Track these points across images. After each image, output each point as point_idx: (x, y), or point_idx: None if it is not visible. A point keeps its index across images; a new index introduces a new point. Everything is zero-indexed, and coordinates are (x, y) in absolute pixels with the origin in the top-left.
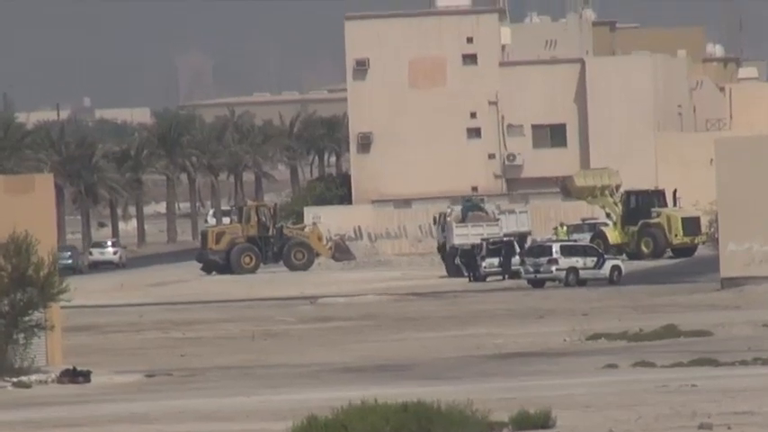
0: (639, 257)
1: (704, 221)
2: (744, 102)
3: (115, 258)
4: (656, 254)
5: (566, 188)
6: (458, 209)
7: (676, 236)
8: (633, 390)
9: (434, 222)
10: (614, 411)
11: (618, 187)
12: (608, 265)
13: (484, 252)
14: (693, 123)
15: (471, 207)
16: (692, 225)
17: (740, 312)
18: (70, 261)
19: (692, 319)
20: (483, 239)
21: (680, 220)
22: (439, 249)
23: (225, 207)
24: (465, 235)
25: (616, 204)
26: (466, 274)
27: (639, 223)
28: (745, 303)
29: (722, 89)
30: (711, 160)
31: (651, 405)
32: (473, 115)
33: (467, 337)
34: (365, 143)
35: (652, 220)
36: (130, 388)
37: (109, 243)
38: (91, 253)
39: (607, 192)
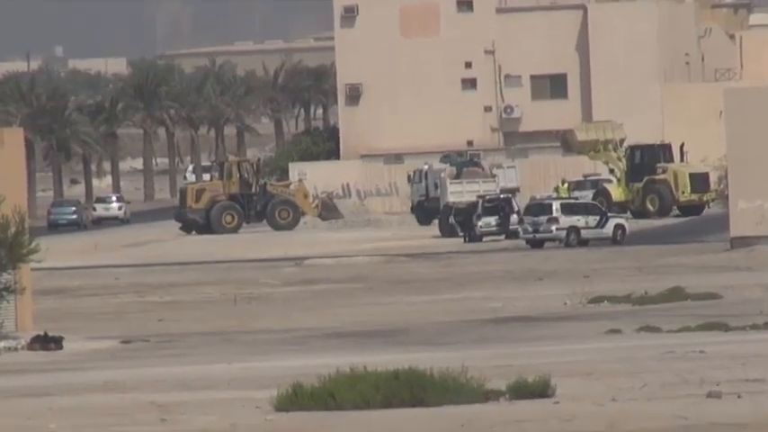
0: (645, 216)
1: (713, 178)
2: (755, 50)
3: (120, 214)
4: (663, 212)
5: (566, 142)
6: (441, 166)
7: (683, 193)
8: (638, 356)
9: (409, 180)
10: (618, 379)
11: (622, 141)
12: (611, 223)
13: (480, 210)
14: (702, 73)
15: (465, 163)
16: (700, 181)
17: (751, 274)
18: (75, 216)
19: (700, 280)
20: (479, 197)
21: (687, 176)
22: (412, 209)
23: (205, 163)
24: (459, 192)
25: (620, 160)
26: (461, 233)
27: (644, 180)
28: (756, 264)
29: (732, 37)
30: (721, 113)
31: (657, 372)
32: (468, 65)
33: (462, 301)
34: (354, 95)
35: (657, 177)
36: (105, 355)
37: (113, 198)
38: (95, 208)
39: (610, 146)
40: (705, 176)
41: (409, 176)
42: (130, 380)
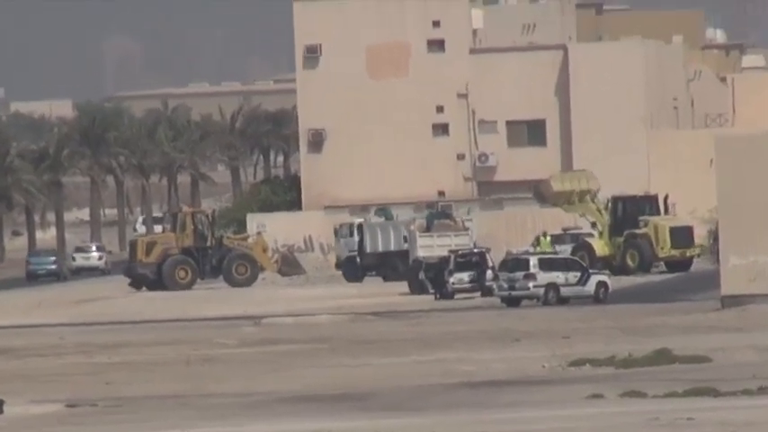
0: (626, 272)
1: (703, 231)
2: (748, 94)
3: (101, 264)
4: (643, 268)
5: (540, 193)
6: (376, 219)
7: (662, 248)
8: (622, 423)
9: (335, 234)
10: None
11: (597, 192)
12: (593, 280)
13: (452, 266)
14: (691, 119)
15: (436, 215)
16: (682, 236)
17: (743, 335)
18: (54, 267)
19: (689, 342)
20: (451, 251)
21: (667, 230)
22: (337, 266)
23: (157, 214)
24: (430, 246)
25: (599, 212)
26: (431, 290)
27: (625, 234)
28: (748, 325)
29: (724, 80)
30: (711, 161)
31: None
32: (440, 109)
33: (432, 363)
34: (317, 141)
35: (638, 231)
36: (49, 420)
37: (93, 248)
38: (74, 258)
39: (588, 197)
40: (688, 230)
41: (335, 230)
42: None
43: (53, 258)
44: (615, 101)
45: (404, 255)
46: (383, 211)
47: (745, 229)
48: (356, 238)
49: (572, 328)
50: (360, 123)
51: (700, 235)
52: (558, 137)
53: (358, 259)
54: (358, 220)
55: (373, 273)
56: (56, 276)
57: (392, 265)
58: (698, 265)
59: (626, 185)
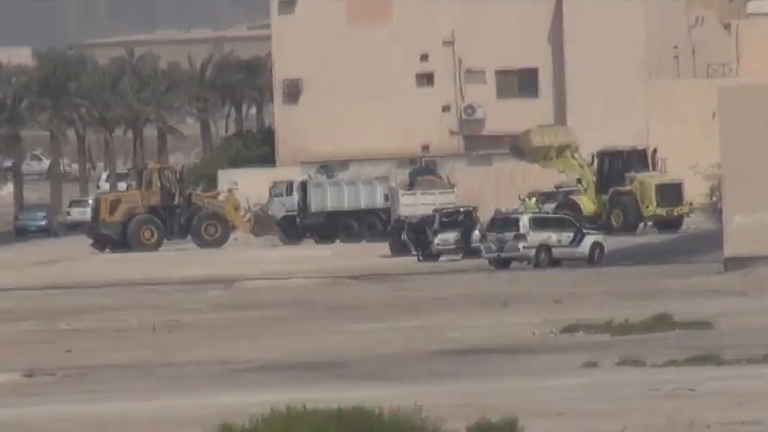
0: (610, 232)
1: (705, 188)
2: (753, 43)
3: None
4: (627, 228)
5: (519, 148)
6: (321, 177)
7: (648, 207)
8: (618, 394)
9: (270, 193)
10: (595, 420)
11: (577, 147)
12: (587, 241)
13: (436, 225)
14: (693, 68)
15: (420, 171)
16: (670, 193)
17: (747, 299)
18: (44, 222)
19: (690, 307)
20: (435, 210)
21: (654, 188)
22: (278, 224)
23: (121, 170)
24: (413, 205)
25: (582, 167)
26: (414, 252)
27: (610, 191)
28: (753, 288)
29: (727, 27)
30: (714, 114)
31: (639, 412)
32: (424, 58)
33: (415, 329)
34: (293, 92)
35: (624, 188)
36: (4, 390)
37: (90, 200)
38: (69, 213)
39: (568, 152)
40: (677, 187)
41: (270, 188)
42: (33, 419)
43: (43, 214)
44: (612, 48)
45: (361, 214)
46: (325, 168)
47: (749, 185)
48: (296, 196)
49: (565, 292)
50: (339, 73)
51: (702, 192)
52: (551, 87)
53: (298, 219)
54: (299, 178)
55: (314, 234)
56: (46, 232)
57: (345, 225)
58: (700, 224)
59: (623, 139)
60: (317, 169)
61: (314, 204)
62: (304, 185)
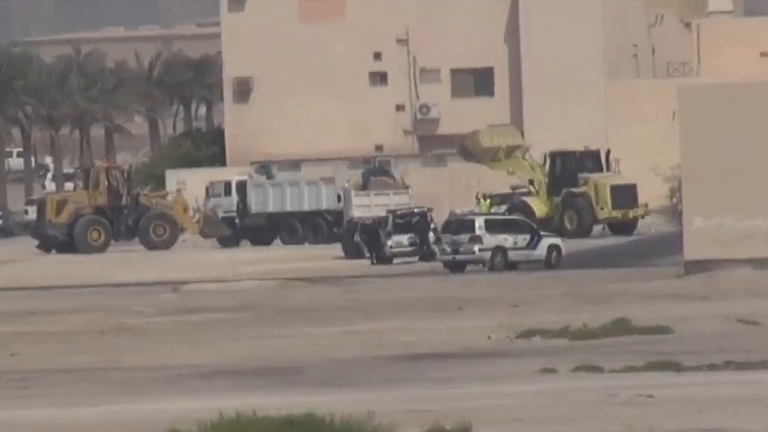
0: (563, 235)
1: (664, 189)
2: (714, 41)
3: None
4: (581, 231)
5: (466, 149)
6: (260, 177)
7: (603, 209)
8: (576, 400)
9: (207, 193)
10: (551, 427)
11: (528, 149)
12: (544, 244)
13: (390, 227)
14: (652, 68)
15: (374, 171)
16: (624, 195)
17: (708, 304)
18: (0, 222)
19: (649, 312)
20: (389, 211)
21: (608, 189)
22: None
23: (68, 169)
24: (366, 206)
25: (533, 169)
26: (367, 254)
27: (563, 192)
28: (714, 293)
29: (688, 26)
30: (674, 114)
31: (597, 419)
32: (377, 56)
33: (368, 334)
34: (243, 90)
35: (577, 190)
36: None
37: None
38: (26, 212)
39: (518, 153)
40: (631, 189)
41: (207, 188)
42: None
43: None
44: (570, 47)
45: (305, 216)
46: (264, 168)
47: (710, 187)
48: (234, 197)
49: (521, 295)
50: (290, 71)
51: (662, 194)
52: (508, 87)
53: (237, 221)
54: (237, 178)
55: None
56: (2, 232)
57: (288, 227)
58: (659, 226)
59: (581, 139)
60: (257, 169)
61: (254, 205)
62: (243, 186)
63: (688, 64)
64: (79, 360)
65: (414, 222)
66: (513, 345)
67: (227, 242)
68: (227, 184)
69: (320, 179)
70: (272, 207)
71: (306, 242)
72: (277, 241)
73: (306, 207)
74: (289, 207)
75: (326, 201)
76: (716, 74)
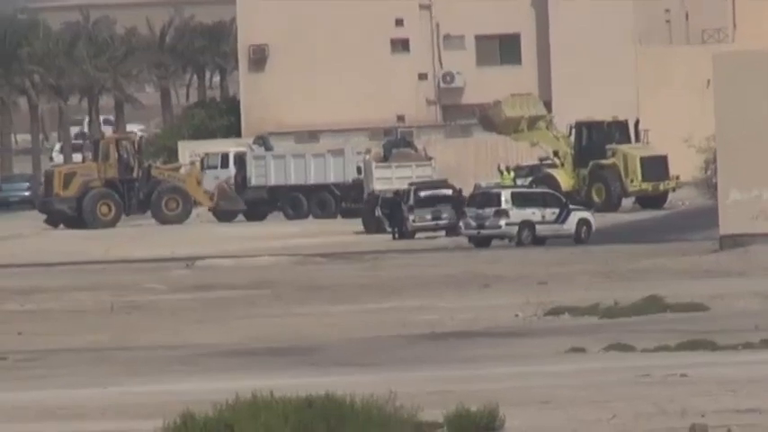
0: (591, 208)
1: (698, 162)
2: (751, 6)
3: None
4: (610, 205)
5: (488, 119)
6: (259, 149)
7: (632, 181)
8: (606, 381)
9: (202, 165)
10: (581, 409)
11: (551, 119)
12: (573, 218)
13: (412, 201)
14: (686, 35)
15: (395, 143)
16: (655, 166)
17: (744, 280)
18: (28, 193)
19: (683, 288)
20: (411, 184)
21: (638, 161)
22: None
23: (76, 141)
24: (388, 178)
25: (558, 140)
26: (389, 229)
27: (590, 164)
28: (750, 268)
29: None
30: (708, 82)
31: (629, 400)
32: (399, 23)
33: (390, 312)
34: (259, 58)
35: (605, 161)
36: None
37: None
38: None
39: (542, 124)
40: (662, 160)
41: (202, 160)
42: None
43: (27, 185)
44: (600, 13)
45: (310, 189)
46: (263, 139)
47: (746, 159)
48: (231, 169)
49: (549, 272)
50: (308, 38)
51: (696, 166)
52: (535, 54)
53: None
54: (234, 149)
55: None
56: (31, 203)
57: (292, 201)
58: (693, 200)
59: (611, 109)
60: (254, 140)
61: (255, 178)
62: (242, 158)
63: (723, 30)
64: (88, 339)
65: (441, 196)
66: (540, 323)
67: (224, 217)
68: (224, 156)
69: (328, 151)
70: (273, 180)
71: (311, 216)
72: (277, 216)
73: (312, 180)
74: (293, 180)
75: (334, 173)
76: (752, 40)
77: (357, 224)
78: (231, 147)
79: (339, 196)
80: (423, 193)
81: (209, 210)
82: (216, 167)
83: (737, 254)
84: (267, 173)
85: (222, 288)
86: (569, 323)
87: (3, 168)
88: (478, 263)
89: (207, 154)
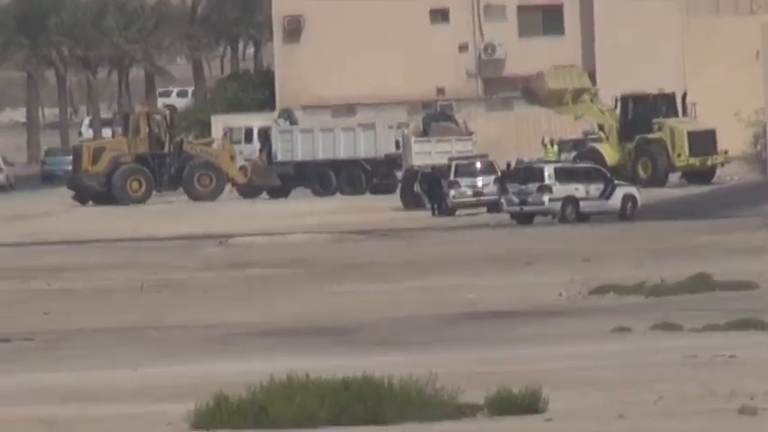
0: (637, 183)
1: (747, 136)
2: None
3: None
4: (656, 180)
5: (532, 92)
6: (285, 123)
7: (680, 156)
8: (653, 361)
9: (225, 136)
10: (626, 390)
11: (596, 92)
12: (618, 193)
13: (453, 176)
14: (735, 4)
15: (435, 116)
16: (703, 141)
17: None
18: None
19: (731, 266)
20: (451, 159)
21: (685, 135)
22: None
23: (105, 115)
24: (427, 153)
25: (603, 113)
26: (428, 205)
27: (636, 138)
28: None
29: None
30: (758, 53)
31: (675, 382)
32: None
33: (429, 291)
34: (294, 29)
35: (651, 135)
36: None
37: None
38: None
39: (586, 97)
40: (710, 134)
41: (225, 134)
42: (8, 388)
43: (71, 158)
44: None
45: (339, 165)
46: (288, 113)
47: None
48: (256, 144)
49: (594, 249)
50: (344, 8)
51: (745, 141)
52: (579, 25)
53: None
54: (258, 124)
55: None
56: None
57: (321, 177)
58: (742, 175)
59: (657, 82)
60: (279, 113)
61: (281, 153)
62: (266, 132)
63: None
64: (118, 319)
65: (479, 170)
66: (585, 302)
67: (249, 194)
68: (249, 131)
69: (359, 125)
70: (301, 155)
71: (339, 193)
72: (301, 192)
73: (342, 155)
74: (321, 155)
75: (365, 148)
76: None
77: (389, 201)
78: (255, 121)
79: (370, 172)
80: (463, 168)
81: (232, 186)
82: (240, 142)
83: None
84: (294, 148)
85: (256, 266)
86: (614, 302)
87: (30, 144)
88: (521, 240)
89: (230, 128)
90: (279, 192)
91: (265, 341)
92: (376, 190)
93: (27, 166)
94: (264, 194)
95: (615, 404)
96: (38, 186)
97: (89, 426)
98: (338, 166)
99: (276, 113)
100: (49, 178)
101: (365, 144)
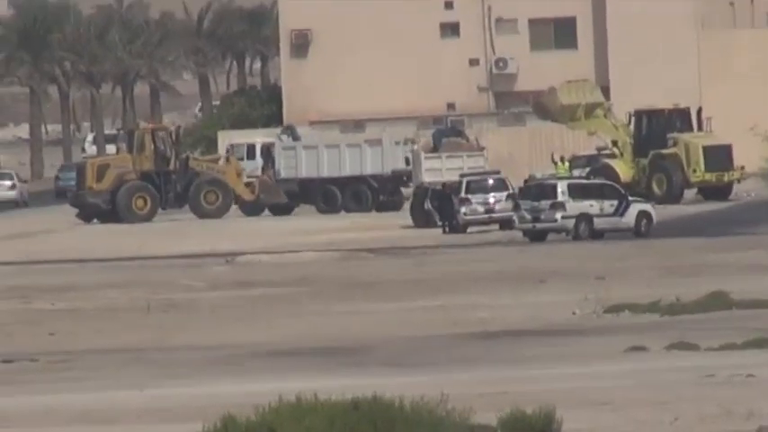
0: (651, 200)
1: (764, 151)
2: None
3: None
4: (671, 196)
5: (543, 107)
6: (288, 139)
7: (695, 171)
8: (669, 381)
9: (227, 152)
10: (642, 410)
11: (610, 107)
12: (633, 210)
13: (464, 193)
14: (751, 18)
15: (445, 132)
16: (718, 156)
17: None
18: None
19: (748, 284)
20: (462, 175)
21: (701, 150)
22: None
23: (110, 131)
24: (438, 169)
25: (616, 128)
26: (439, 222)
27: (650, 154)
28: None
29: None
30: None
31: (692, 402)
32: (449, 5)
33: (440, 310)
34: (301, 44)
35: (666, 151)
36: None
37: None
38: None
39: (600, 112)
40: (726, 150)
41: (227, 150)
42: (12, 410)
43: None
44: None
45: (344, 182)
46: (290, 129)
47: None
48: (258, 161)
49: (608, 267)
50: (353, 22)
51: (762, 156)
52: (591, 39)
53: None
54: (261, 140)
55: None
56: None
57: (325, 194)
58: (758, 192)
59: (672, 96)
60: (282, 130)
61: (284, 170)
62: (269, 149)
63: None
64: (123, 339)
65: (490, 187)
66: (599, 321)
67: (251, 211)
68: (251, 147)
69: (365, 141)
70: (305, 172)
71: (344, 210)
72: (304, 210)
73: (347, 172)
74: (326, 172)
75: (371, 165)
76: None
77: (396, 218)
78: (257, 137)
79: (376, 189)
80: (474, 185)
81: (236, 203)
82: (242, 159)
83: None
84: (297, 164)
85: (264, 285)
86: (629, 321)
87: (33, 162)
88: (533, 258)
89: (232, 145)
90: (282, 209)
91: (273, 361)
92: (382, 207)
93: (29, 184)
94: (266, 212)
95: (631, 425)
96: (51, 202)
97: None
98: (343, 182)
99: (279, 129)
100: (62, 194)
101: (371, 160)
